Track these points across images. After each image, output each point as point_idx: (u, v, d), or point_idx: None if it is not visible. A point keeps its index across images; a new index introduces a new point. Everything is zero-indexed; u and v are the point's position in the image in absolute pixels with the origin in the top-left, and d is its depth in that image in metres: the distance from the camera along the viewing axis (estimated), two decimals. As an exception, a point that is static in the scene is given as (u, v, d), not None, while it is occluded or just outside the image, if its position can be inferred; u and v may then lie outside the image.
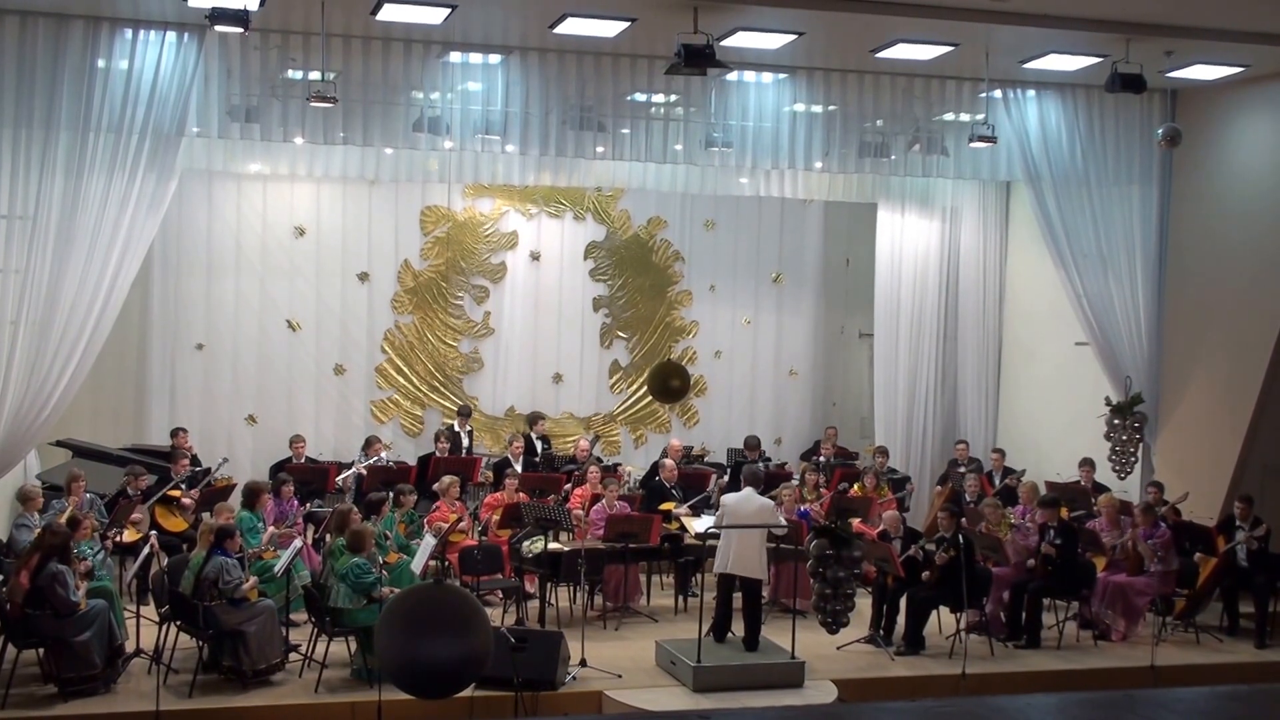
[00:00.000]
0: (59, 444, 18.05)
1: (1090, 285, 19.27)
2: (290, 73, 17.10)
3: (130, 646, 14.13)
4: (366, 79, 17.33)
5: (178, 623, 14.01)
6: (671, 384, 20.21)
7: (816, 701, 13.69)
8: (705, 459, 21.26)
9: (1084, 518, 17.74)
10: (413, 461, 19.72)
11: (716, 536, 15.45)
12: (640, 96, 18.46)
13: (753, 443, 21.00)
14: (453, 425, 20.59)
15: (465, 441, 20.16)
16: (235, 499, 16.61)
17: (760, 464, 19.06)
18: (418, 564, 14.70)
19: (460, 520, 16.71)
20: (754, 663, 14.60)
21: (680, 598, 17.47)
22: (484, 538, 16.84)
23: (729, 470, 19.87)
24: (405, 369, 21.53)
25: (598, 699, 13.88)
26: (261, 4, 15.11)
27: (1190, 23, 16.26)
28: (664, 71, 16.50)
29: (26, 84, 16.14)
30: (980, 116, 18.57)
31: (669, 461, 19.06)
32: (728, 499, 15.31)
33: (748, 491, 15.29)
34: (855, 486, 19.16)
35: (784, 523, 15.71)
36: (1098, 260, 19.28)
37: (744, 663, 14.58)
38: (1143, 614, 16.72)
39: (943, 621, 16.21)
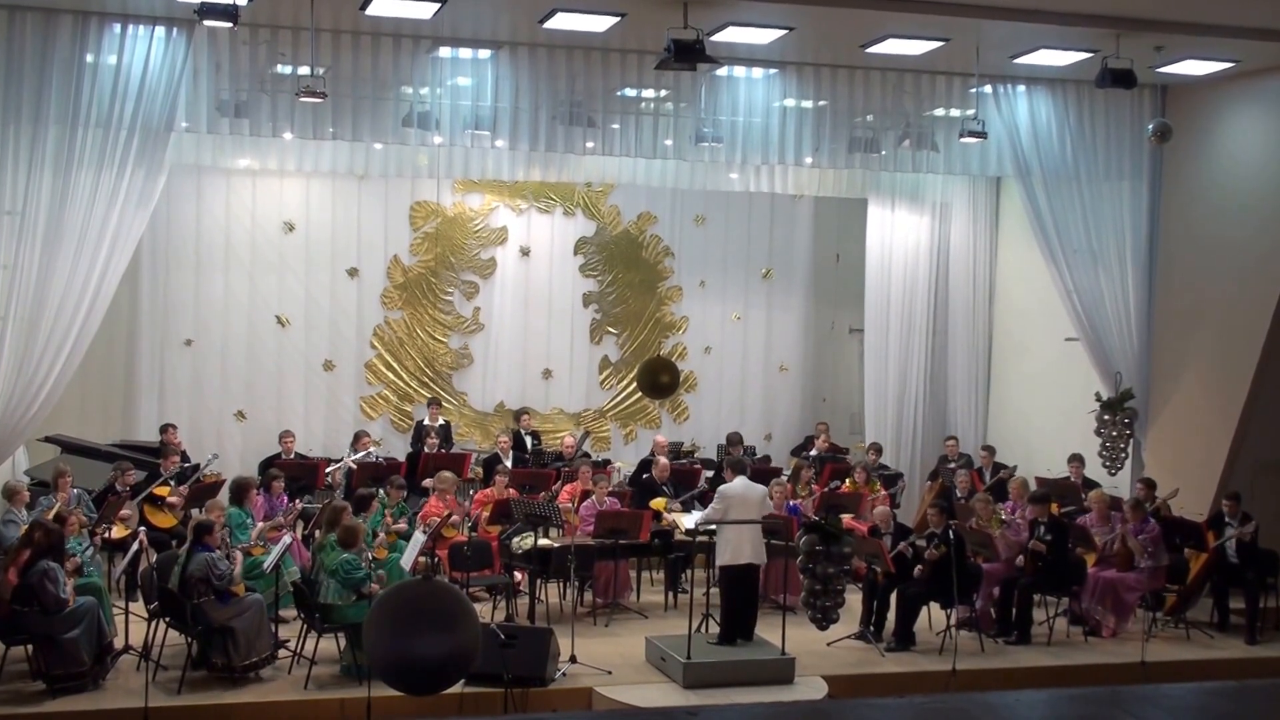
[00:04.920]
0: (47, 440, 17.97)
1: (1080, 281, 19.26)
2: (279, 67, 17.05)
3: (119, 643, 14.05)
4: (356, 74, 17.28)
5: (166, 619, 13.96)
6: (661, 380, 20.19)
7: (807, 698, 13.65)
8: (696, 455, 21.22)
9: (1074, 514, 17.73)
10: (402, 457, 19.69)
11: (707, 532, 15.45)
12: (630, 92, 18.44)
13: (735, 439, 20.97)
14: (422, 421, 20.55)
15: (435, 439, 19.94)
16: (225, 495, 16.58)
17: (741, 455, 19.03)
18: (407, 560, 14.66)
19: (451, 515, 16.68)
20: (744, 659, 14.57)
21: (670, 594, 17.43)
22: (474, 534, 16.82)
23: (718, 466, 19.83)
24: (395, 365, 21.49)
25: (587, 695, 13.84)
26: (250, -1, 15.09)
27: (1180, 18, 16.26)
28: (654, 66, 16.39)
29: (15, 78, 16.09)
30: (970, 112, 18.55)
31: (662, 460, 19.02)
32: (731, 489, 15.14)
33: (743, 480, 15.30)
34: (846, 482, 19.13)
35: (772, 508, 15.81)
36: (1088, 256, 19.27)
37: (734, 659, 14.54)
38: (1133, 610, 16.72)
39: (933, 617, 16.18)
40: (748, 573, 15.06)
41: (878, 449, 20.82)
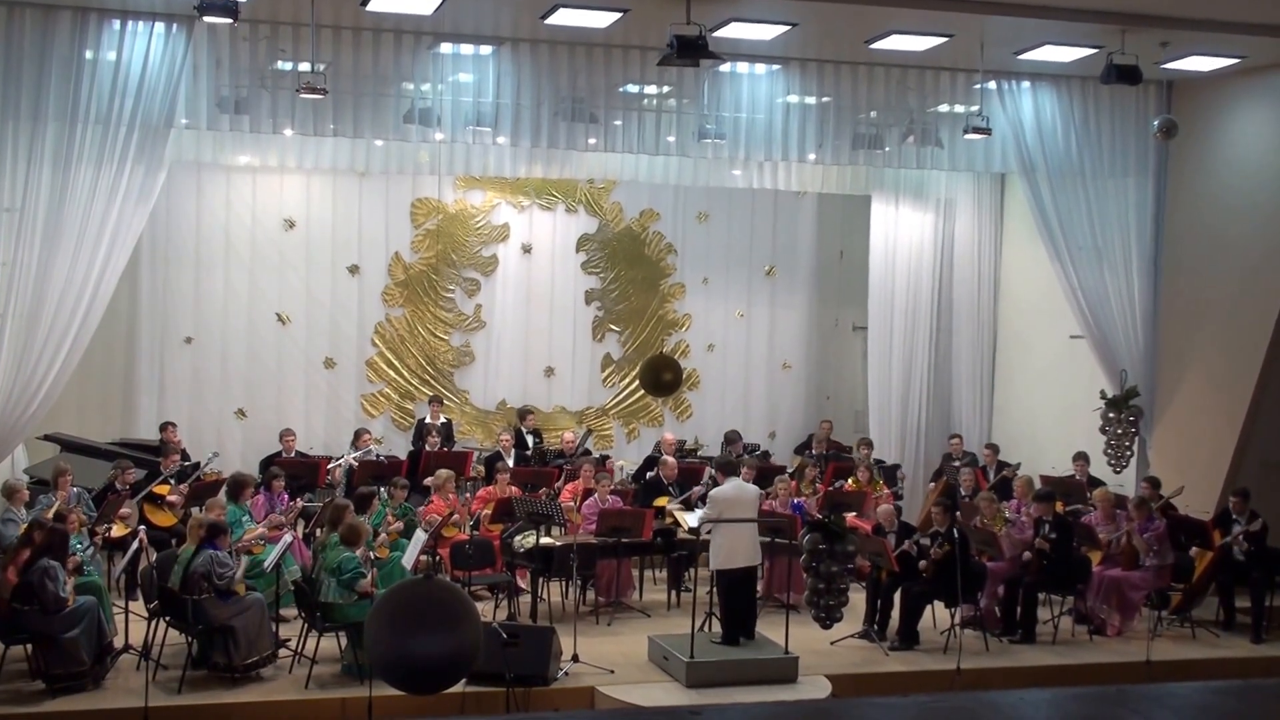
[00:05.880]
0: (46, 438, 17.92)
1: (1085, 278, 19.18)
2: (280, 64, 16.99)
3: (119, 643, 14.02)
4: (357, 70, 17.22)
5: (167, 618, 13.92)
6: (664, 378, 19.99)
7: (810, 697, 13.59)
8: (699, 453, 21.15)
9: (1079, 512, 17.66)
10: (403, 456, 19.63)
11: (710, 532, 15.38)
12: (632, 88, 18.35)
13: (733, 436, 20.92)
14: (424, 419, 20.48)
15: (436, 437, 19.89)
16: (224, 493, 16.52)
17: (735, 456, 18.94)
18: (409, 559, 14.61)
19: (453, 513, 16.63)
20: (747, 658, 14.54)
21: (673, 593, 17.40)
22: (475, 532, 16.75)
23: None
24: (396, 362, 21.43)
25: (590, 695, 13.81)
26: (250, -6, 15.03)
27: (1186, 14, 16.19)
28: (656, 63, 16.26)
29: (14, 75, 16.03)
30: (975, 108, 18.50)
31: (670, 459, 18.93)
32: (722, 493, 15.10)
33: (736, 482, 15.26)
34: (850, 481, 19.06)
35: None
36: (1093, 253, 19.18)
37: (737, 658, 14.50)
38: (1138, 609, 16.69)
39: (937, 616, 16.13)
40: (744, 575, 15.05)
41: (868, 443, 20.73)
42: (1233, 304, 18.35)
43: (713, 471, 18.43)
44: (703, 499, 17.40)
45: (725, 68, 18.15)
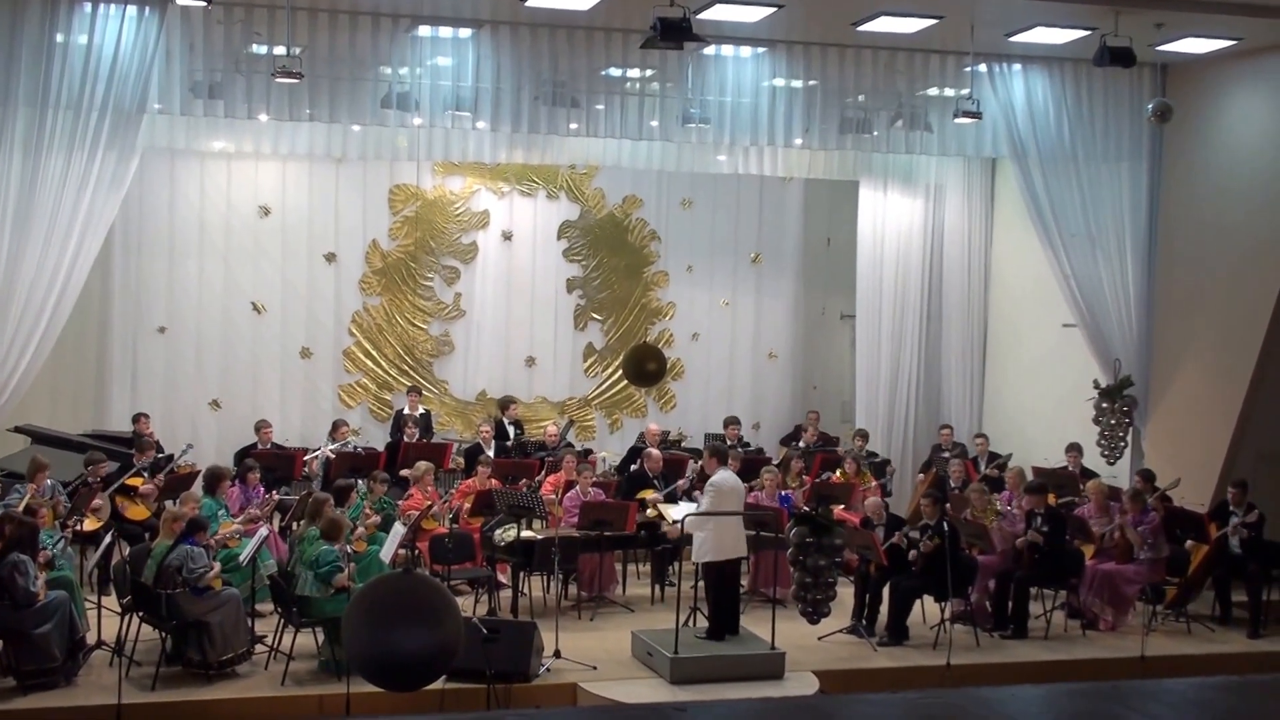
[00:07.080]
0: (17, 430, 17.72)
1: (1078, 265, 19.06)
2: (254, 48, 16.91)
3: (91, 638, 13.87)
4: (333, 54, 17.11)
5: (140, 614, 13.74)
6: (647, 367, 19.96)
7: (797, 693, 13.49)
8: (683, 444, 20.93)
9: (1072, 504, 17.54)
10: (381, 447, 19.43)
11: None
12: (615, 71, 18.23)
13: (731, 421, 20.73)
14: (402, 410, 20.23)
15: (414, 428, 19.60)
16: (199, 486, 16.32)
17: (730, 444, 18.78)
18: (387, 553, 14.48)
19: (432, 506, 16.42)
20: (733, 654, 14.42)
21: (657, 587, 17.28)
22: (455, 525, 16.52)
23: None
24: (374, 352, 21.19)
25: (572, 691, 13.72)
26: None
27: (1181, -6, 16.07)
28: (639, 45, 16.19)
29: (-17, 59, 15.86)
30: (965, 91, 18.37)
31: (655, 452, 18.69)
32: (722, 482, 14.88)
33: (727, 470, 15.17)
34: (837, 473, 18.86)
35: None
36: (1086, 239, 19.09)
37: (723, 654, 14.37)
38: (1132, 603, 16.54)
39: (927, 611, 15.99)
40: (733, 568, 14.98)
41: (864, 435, 20.59)
42: (1229, 291, 18.22)
43: (695, 465, 18.21)
44: (688, 493, 17.27)
45: (710, 50, 18.01)
